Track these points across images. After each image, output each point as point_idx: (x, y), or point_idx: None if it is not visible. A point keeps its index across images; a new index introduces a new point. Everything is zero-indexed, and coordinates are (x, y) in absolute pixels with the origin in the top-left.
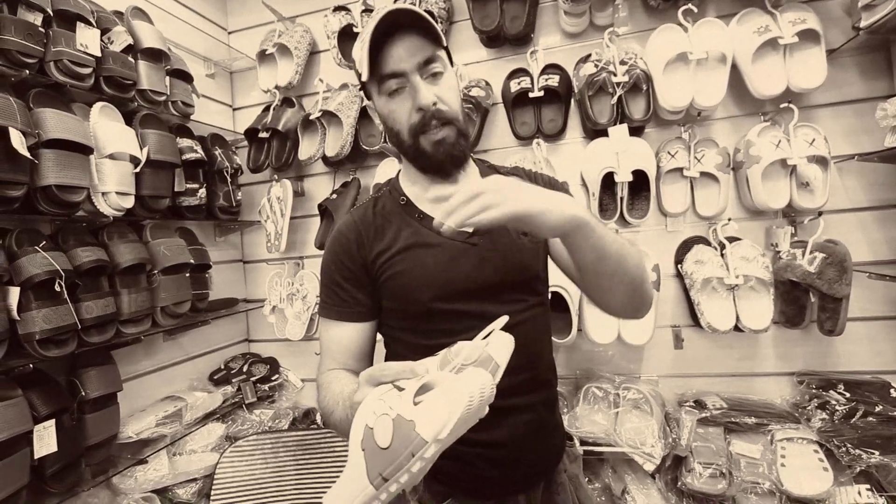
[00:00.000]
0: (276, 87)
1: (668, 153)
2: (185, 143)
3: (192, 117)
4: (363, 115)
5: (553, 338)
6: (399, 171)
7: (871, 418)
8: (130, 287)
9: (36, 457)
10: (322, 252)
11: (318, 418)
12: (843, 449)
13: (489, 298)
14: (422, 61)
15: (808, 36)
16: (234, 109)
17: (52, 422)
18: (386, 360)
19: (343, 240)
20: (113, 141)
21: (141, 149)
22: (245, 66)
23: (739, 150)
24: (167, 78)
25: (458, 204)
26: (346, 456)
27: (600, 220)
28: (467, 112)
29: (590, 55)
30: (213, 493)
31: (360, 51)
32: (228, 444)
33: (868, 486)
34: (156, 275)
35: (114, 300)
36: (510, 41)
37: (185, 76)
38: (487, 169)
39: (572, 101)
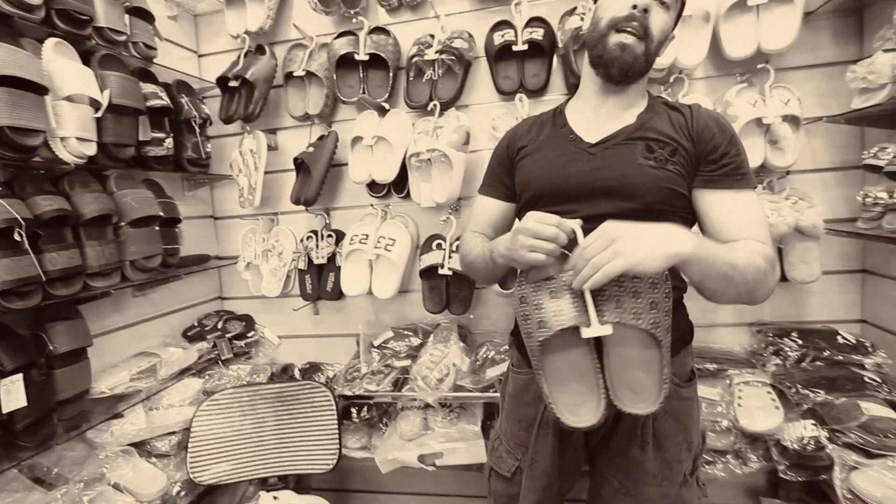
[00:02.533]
0: (246, 33)
1: None
2: (148, 88)
3: (154, 61)
4: (339, 65)
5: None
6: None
7: (819, 362)
8: (96, 239)
9: (4, 411)
10: (298, 207)
11: (297, 372)
12: (793, 390)
13: (585, 200)
14: None
15: None
16: (200, 56)
17: (20, 376)
18: None
19: (506, 137)
20: (70, 81)
21: (101, 91)
22: (211, 9)
23: (718, 109)
24: (126, 16)
25: (581, 266)
26: (324, 406)
27: (710, 246)
28: (449, 64)
29: (575, 8)
30: (190, 445)
31: None
32: (206, 398)
33: (813, 422)
34: (123, 227)
35: (79, 252)
36: None
37: (145, 15)
38: (658, 101)
39: (556, 56)
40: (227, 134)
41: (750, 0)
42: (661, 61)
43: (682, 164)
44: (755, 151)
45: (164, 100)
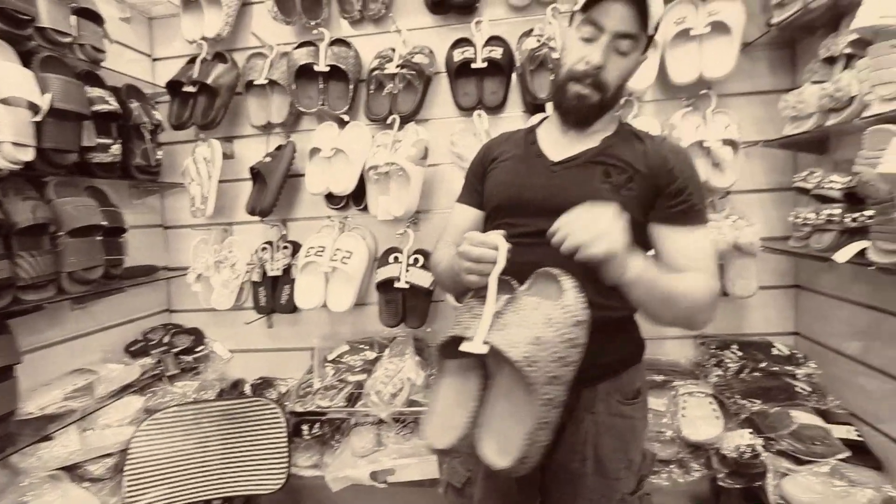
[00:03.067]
0: (203, 39)
1: None
2: (95, 92)
3: (103, 64)
4: (299, 75)
5: None
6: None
7: (756, 373)
8: (30, 249)
9: None
10: (253, 218)
11: (248, 388)
12: (732, 400)
13: (538, 217)
14: (621, 32)
15: (719, 28)
16: (154, 60)
17: None
18: None
19: (483, 148)
20: (6, 83)
21: (41, 94)
22: (166, 13)
23: (664, 131)
24: (73, 17)
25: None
26: (273, 423)
27: (654, 273)
28: (409, 79)
29: (532, 30)
30: (126, 468)
31: None
32: (146, 417)
33: (750, 431)
34: (61, 237)
35: (9, 263)
36: (455, 9)
37: (94, 16)
38: (628, 132)
39: (514, 74)
40: (179, 141)
41: (693, 30)
42: None
43: (637, 192)
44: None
45: (111, 104)
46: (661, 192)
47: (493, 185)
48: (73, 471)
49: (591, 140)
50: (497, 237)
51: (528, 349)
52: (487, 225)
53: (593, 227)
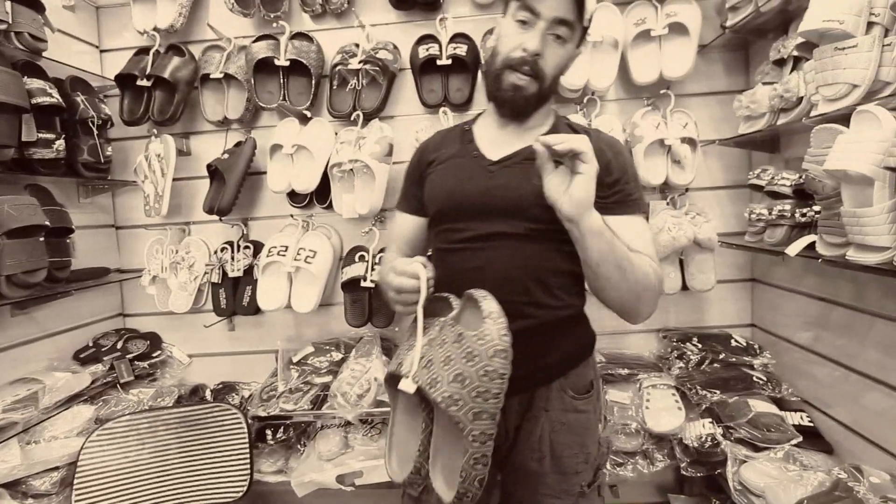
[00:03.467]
0: (155, 30)
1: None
2: (34, 84)
3: (45, 55)
4: (258, 69)
5: None
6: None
7: (716, 364)
8: None
9: None
10: (211, 217)
11: (208, 394)
12: (693, 391)
13: (481, 219)
14: (557, 18)
15: (677, 29)
16: (102, 51)
17: None
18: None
19: (418, 151)
20: None
21: None
22: (115, 2)
23: (625, 130)
24: (7, 2)
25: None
26: (234, 429)
27: (613, 235)
28: (373, 74)
29: (494, 28)
30: (76, 482)
31: None
32: (97, 427)
33: (710, 420)
34: None
35: None
36: (420, 5)
37: (33, 3)
38: (565, 126)
39: (479, 71)
40: (130, 137)
41: (653, 31)
42: (575, 82)
43: None
44: (658, 169)
45: (53, 98)
46: (600, 184)
47: (431, 189)
48: (14, 487)
49: (528, 136)
50: (417, 266)
51: (450, 388)
52: (431, 230)
53: (588, 148)
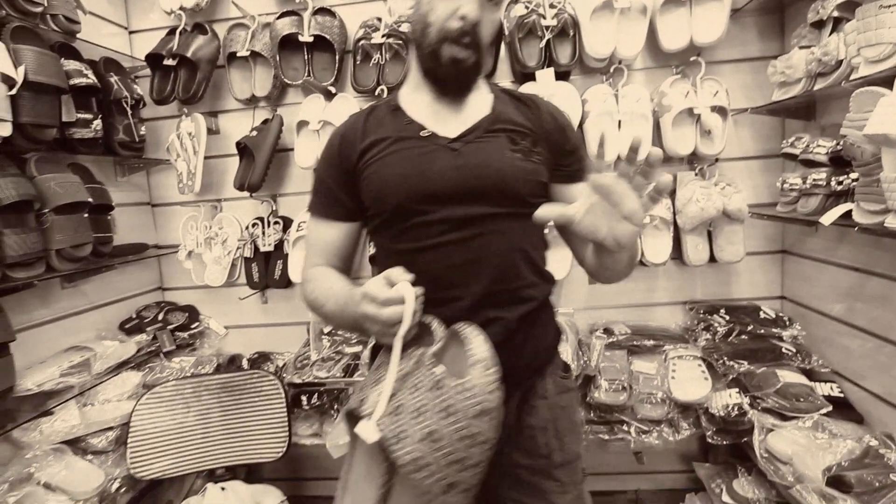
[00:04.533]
0: (182, 9)
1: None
2: (71, 65)
3: (78, 36)
4: (283, 46)
5: None
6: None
7: (744, 336)
8: (15, 227)
9: None
10: (242, 194)
11: (245, 363)
12: (720, 361)
13: (459, 205)
14: None
15: None
16: (131, 32)
17: None
18: (372, 271)
19: (333, 141)
20: None
21: (15, 67)
22: None
23: (653, 99)
24: None
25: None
26: (272, 395)
27: None
28: (396, 48)
29: None
30: (129, 440)
31: None
32: (146, 392)
33: (737, 390)
34: (47, 214)
35: None
36: None
37: None
38: (501, 92)
39: (502, 42)
40: (162, 116)
41: None
42: (601, 51)
43: (542, 155)
44: (687, 139)
45: (89, 78)
46: (560, 152)
47: (381, 185)
48: (75, 444)
49: (479, 106)
50: (405, 288)
51: (418, 448)
52: (382, 232)
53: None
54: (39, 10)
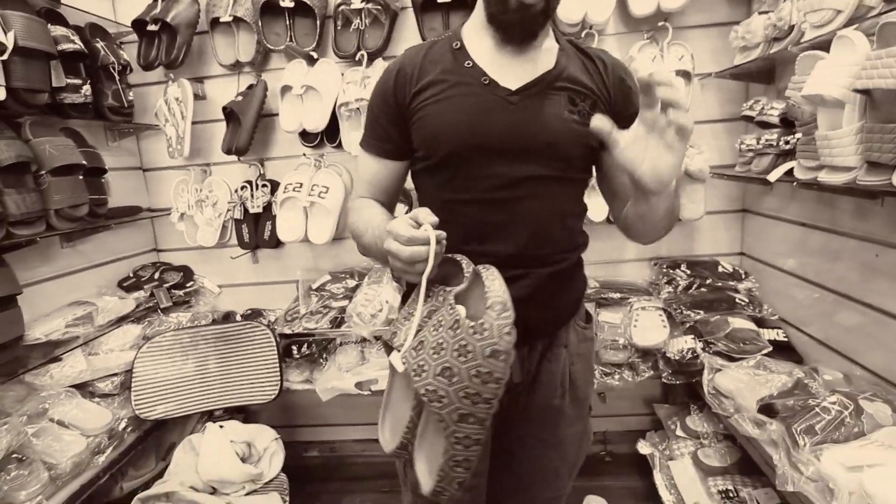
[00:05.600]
0: None
1: None
2: (58, 31)
3: (63, 2)
4: (264, 12)
5: None
6: (465, 21)
7: (703, 289)
8: (16, 186)
9: None
10: (230, 158)
11: (238, 318)
12: (679, 311)
13: (509, 161)
14: None
15: None
16: None
17: None
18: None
19: (387, 77)
20: None
21: (5, 33)
22: None
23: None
24: None
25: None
26: (265, 343)
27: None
28: (375, 14)
29: None
30: (133, 385)
31: None
32: (145, 342)
33: (693, 336)
34: (44, 175)
35: None
36: None
37: None
38: (567, 43)
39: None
40: (149, 82)
41: None
42: (572, 16)
43: None
44: None
45: (76, 44)
46: (620, 116)
47: (434, 127)
48: (83, 388)
49: (543, 59)
50: (428, 230)
51: (435, 382)
52: (429, 177)
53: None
54: None
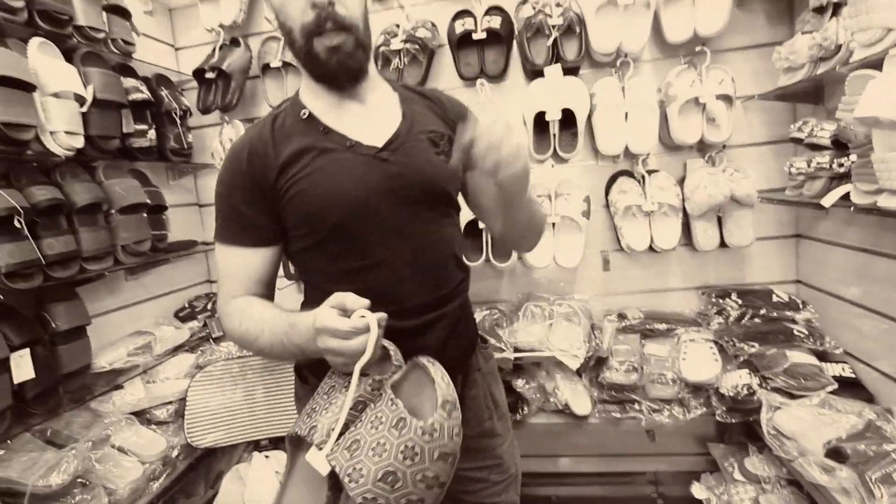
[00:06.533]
0: (221, 26)
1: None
2: (129, 82)
3: (133, 56)
4: None
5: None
6: (300, 87)
7: (756, 319)
8: (89, 225)
9: (15, 381)
10: None
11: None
12: (731, 344)
13: (397, 214)
14: None
15: None
16: (177, 49)
17: (27, 350)
18: (305, 291)
19: (235, 160)
20: (56, 78)
21: (85, 87)
22: (185, 3)
23: (661, 90)
24: (104, 14)
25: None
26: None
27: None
28: (414, 53)
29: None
30: (186, 413)
31: None
32: (199, 371)
33: (747, 371)
34: (113, 214)
35: (74, 238)
36: None
37: (122, 12)
38: (403, 89)
39: (514, 42)
40: (207, 124)
41: None
42: (606, 47)
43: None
44: (693, 128)
45: (144, 93)
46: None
47: (312, 201)
48: (141, 415)
49: (386, 109)
50: (367, 316)
51: (374, 489)
52: (320, 255)
53: (510, 141)
54: (102, 35)
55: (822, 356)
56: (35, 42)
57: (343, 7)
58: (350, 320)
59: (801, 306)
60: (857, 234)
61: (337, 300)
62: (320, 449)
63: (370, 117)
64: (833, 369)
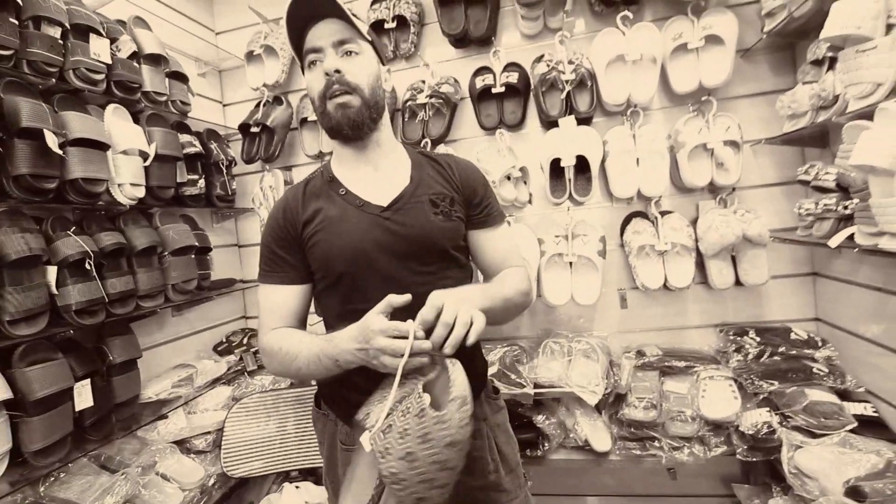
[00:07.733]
0: (265, 85)
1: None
2: (184, 138)
3: (188, 114)
4: None
5: None
6: (331, 157)
7: (776, 357)
8: (145, 267)
9: (77, 409)
10: None
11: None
12: (751, 382)
13: (395, 267)
14: (337, 40)
15: (713, 40)
16: (224, 105)
17: (88, 381)
18: (325, 327)
19: (277, 214)
20: (125, 138)
21: (149, 144)
22: (233, 66)
23: (670, 137)
24: (166, 80)
25: (445, 333)
26: None
27: (490, 293)
28: (438, 106)
29: (543, 55)
30: (223, 443)
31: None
32: (235, 403)
33: (767, 409)
34: (166, 256)
35: (132, 278)
36: (475, 42)
37: (181, 77)
38: (418, 155)
39: (531, 94)
40: (248, 172)
41: (689, 44)
42: (617, 98)
43: (459, 212)
44: (703, 172)
45: (197, 147)
46: (470, 205)
47: (324, 251)
48: (182, 444)
49: (400, 175)
50: (410, 325)
51: (398, 465)
52: (328, 295)
53: (462, 310)
54: (164, 98)
55: (844, 395)
56: (111, 108)
57: (350, 75)
58: (395, 322)
59: (820, 344)
60: (870, 273)
61: (384, 304)
62: (370, 432)
63: (380, 180)
64: (854, 408)
